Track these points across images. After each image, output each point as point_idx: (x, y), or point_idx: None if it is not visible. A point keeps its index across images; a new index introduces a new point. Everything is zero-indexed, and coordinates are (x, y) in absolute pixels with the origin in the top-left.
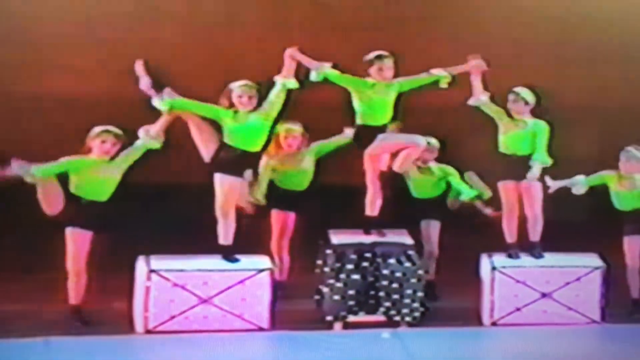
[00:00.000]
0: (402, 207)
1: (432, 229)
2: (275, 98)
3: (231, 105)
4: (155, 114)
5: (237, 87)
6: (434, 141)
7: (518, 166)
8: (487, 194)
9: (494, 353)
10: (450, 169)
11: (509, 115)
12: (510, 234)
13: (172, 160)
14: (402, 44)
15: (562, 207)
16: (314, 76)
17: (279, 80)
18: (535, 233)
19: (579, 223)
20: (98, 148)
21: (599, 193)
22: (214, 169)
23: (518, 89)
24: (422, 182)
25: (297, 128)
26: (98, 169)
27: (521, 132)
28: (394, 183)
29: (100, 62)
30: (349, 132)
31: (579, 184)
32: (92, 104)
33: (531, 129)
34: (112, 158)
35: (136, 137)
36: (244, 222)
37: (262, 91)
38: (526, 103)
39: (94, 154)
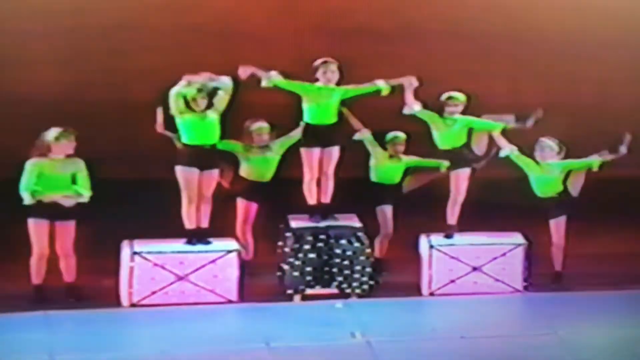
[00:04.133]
0: (356, 195)
1: (387, 212)
2: (225, 95)
3: (187, 107)
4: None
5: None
6: (402, 135)
7: (454, 158)
8: (445, 164)
9: (432, 319)
10: (414, 157)
11: (441, 116)
12: (452, 217)
13: (154, 158)
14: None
15: (490, 192)
16: (264, 83)
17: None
18: (453, 216)
19: (505, 205)
20: (58, 148)
21: (523, 180)
22: (175, 163)
23: (453, 93)
24: (390, 169)
25: (266, 126)
26: (57, 166)
27: (453, 130)
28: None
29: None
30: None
31: (507, 151)
32: (51, 104)
33: (463, 124)
34: (70, 156)
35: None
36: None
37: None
38: (456, 105)
39: (53, 154)
